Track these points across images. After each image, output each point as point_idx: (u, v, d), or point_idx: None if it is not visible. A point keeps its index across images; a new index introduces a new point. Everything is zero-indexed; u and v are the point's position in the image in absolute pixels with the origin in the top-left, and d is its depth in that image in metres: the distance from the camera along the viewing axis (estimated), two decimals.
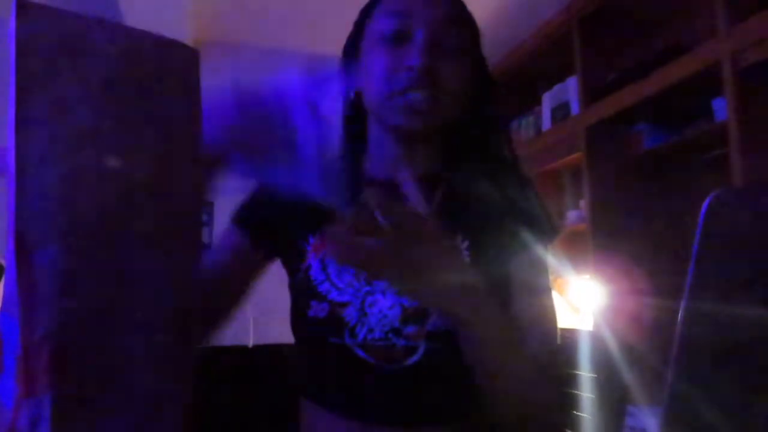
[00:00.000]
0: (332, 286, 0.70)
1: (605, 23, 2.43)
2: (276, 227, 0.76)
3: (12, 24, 0.36)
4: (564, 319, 2.57)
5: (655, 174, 2.31)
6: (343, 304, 0.68)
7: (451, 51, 0.70)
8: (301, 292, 0.72)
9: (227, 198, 0.71)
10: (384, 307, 0.68)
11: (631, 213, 2.29)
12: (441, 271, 0.52)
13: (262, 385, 0.77)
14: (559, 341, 0.72)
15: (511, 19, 2.69)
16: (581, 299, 2.55)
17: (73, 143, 0.37)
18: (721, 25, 1.78)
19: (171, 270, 0.42)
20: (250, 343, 1.00)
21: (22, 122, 0.35)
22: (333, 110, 0.51)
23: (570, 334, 2.36)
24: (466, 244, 0.72)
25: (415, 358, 0.66)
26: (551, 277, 0.75)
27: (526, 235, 0.72)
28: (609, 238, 2.26)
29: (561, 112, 2.61)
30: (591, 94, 2.39)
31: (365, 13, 0.77)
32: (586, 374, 2.22)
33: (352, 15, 0.79)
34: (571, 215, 2.65)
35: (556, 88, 2.67)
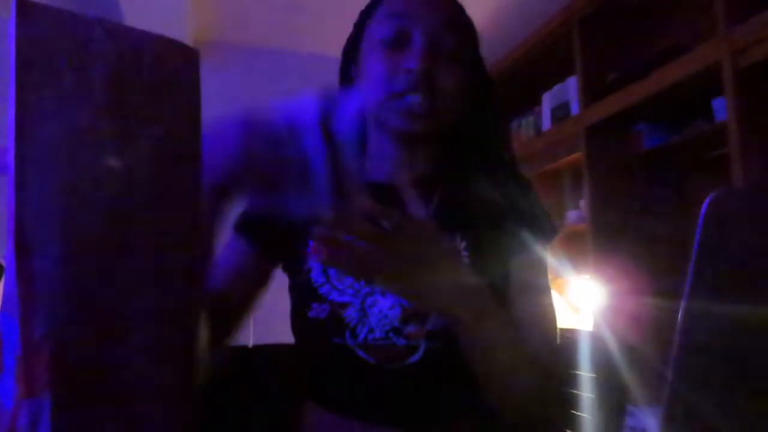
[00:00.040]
0: (333, 287, 0.70)
1: (605, 23, 2.43)
2: (277, 232, 0.76)
3: (12, 24, 0.36)
4: (564, 319, 2.57)
5: (655, 174, 2.31)
6: (344, 305, 0.68)
7: (450, 54, 0.70)
8: (302, 293, 0.72)
9: None
10: (384, 307, 0.68)
11: (631, 213, 2.28)
12: (440, 273, 0.52)
13: (262, 385, 0.77)
14: (558, 341, 0.72)
15: (511, 18, 2.69)
16: (581, 299, 2.55)
17: (73, 143, 0.37)
18: (721, 25, 1.78)
19: (171, 269, 0.42)
20: (250, 343, 1.00)
21: (22, 122, 0.35)
22: (348, 135, 0.49)
23: (570, 334, 2.36)
24: (464, 244, 0.72)
25: (415, 357, 0.66)
26: (550, 277, 0.75)
27: (526, 236, 0.72)
28: (609, 238, 2.26)
29: (561, 112, 2.61)
30: (591, 94, 2.39)
31: (365, 16, 0.77)
32: (586, 374, 2.22)
33: (352, 16, 0.79)
34: (571, 215, 2.65)
35: (556, 88, 2.67)
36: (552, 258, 0.77)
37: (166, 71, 0.42)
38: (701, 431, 0.35)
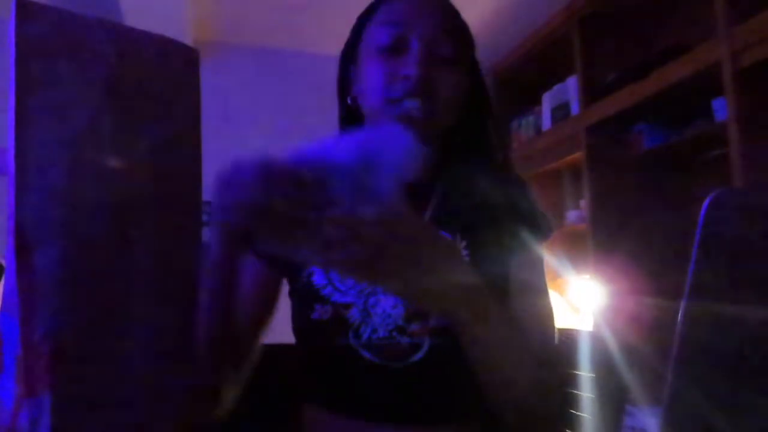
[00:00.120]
0: (335, 289, 0.70)
1: (605, 23, 2.43)
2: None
3: (12, 24, 0.36)
4: (564, 319, 2.57)
5: (655, 174, 2.31)
6: (347, 306, 0.69)
7: (446, 60, 0.72)
8: (304, 296, 0.72)
9: None
10: (387, 306, 0.68)
11: (631, 213, 2.28)
12: (441, 272, 0.52)
13: (262, 385, 0.77)
14: (557, 340, 0.72)
15: (511, 18, 2.68)
16: (581, 299, 2.55)
17: (73, 143, 0.37)
18: (721, 25, 1.78)
19: (171, 269, 0.42)
20: None
21: (22, 122, 0.35)
22: (388, 191, 0.45)
23: (570, 334, 2.36)
24: (464, 243, 0.72)
25: (419, 354, 0.67)
26: (549, 277, 0.76)
27: (525, 235, 0.72)
28: (609, 238, 2.26)
29: (561, 112, 2.61)
30: (591, 94, 2.39)
31: (363, 21, 0.77)
32: (585, 374, 2.22)
33: (352, 16, 0.79)
34: (571, 215, 2.65)
35: (556, 88, 2.67)
36: (550, 257, 0.77)
37: (166, 71, 0.42)
38: (701, 431, 0.35)
